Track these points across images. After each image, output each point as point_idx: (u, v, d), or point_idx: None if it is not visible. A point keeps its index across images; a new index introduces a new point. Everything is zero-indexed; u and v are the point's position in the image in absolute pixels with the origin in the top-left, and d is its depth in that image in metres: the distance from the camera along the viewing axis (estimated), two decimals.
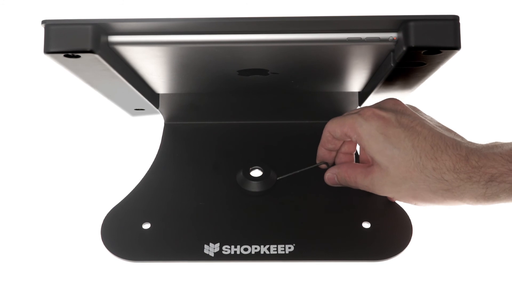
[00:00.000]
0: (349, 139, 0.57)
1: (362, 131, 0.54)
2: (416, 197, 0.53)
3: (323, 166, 0.62)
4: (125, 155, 0.69)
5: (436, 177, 0.50)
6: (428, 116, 0.56)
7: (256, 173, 0.63)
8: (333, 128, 0.58)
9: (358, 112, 0.56)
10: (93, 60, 0.48)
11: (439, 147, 0.51)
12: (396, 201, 0.60)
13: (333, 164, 0.62)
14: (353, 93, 0.65)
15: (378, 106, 0.56)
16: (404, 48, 0.47)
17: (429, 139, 0.51)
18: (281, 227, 0.58)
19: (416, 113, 0.55)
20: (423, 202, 0.53)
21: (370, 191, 0.56)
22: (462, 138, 0.53)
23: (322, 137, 0.60)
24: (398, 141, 0.52)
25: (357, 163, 0.60)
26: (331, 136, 0.59)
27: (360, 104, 0.66)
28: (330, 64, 0.56)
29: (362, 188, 0.57)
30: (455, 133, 0.54)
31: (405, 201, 0.55)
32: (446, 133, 0.53)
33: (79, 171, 0.68)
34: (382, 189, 0.55)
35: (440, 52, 0.48)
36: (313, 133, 0.66)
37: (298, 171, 0.62)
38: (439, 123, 0.55)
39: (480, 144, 0.52)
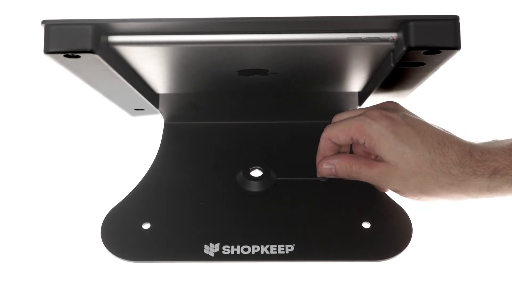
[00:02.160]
0: (352, 143, 0.57)
1: (373, 131, 0.54)
2: (423, 191, 0.53)
3: (323, 179, 0.61)
4: (125, 155, 0.69)
5: (444, 171, 0.51)
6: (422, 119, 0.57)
7: (256, 173, 0.63)
8: (335, 134, 0.57)
9: (364, 113, 0.56)
10: (93, 60, 0.48)
11: (445, 144, 0.52)
12: (396, 200, 0.60)
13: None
14: (353, 93, 0.65)
15: (380, 107, 0.57)
16: (404, 48, 0.47)
17: (435, 136, 0.53)
18: (281, 227, 0.58)
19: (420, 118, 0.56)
20: (428, 196, 0.54)
21: (375, 183, 0.56)
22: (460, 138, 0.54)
23: (320, 146, 0.59)
24: (408, 138, 0.53)
25: (358, 155, 0.59)
26: (332, 143, 0.58)
27: (360, 104, 0.66)
28: (330, 64, 0.56)
29: (364, 179, 0.56)
30: (453, 134, 0.55)
31: (410, 195, 0.55)
32: (447, 133, 0.54)
33: (79, 171, 0.68)
34: (390, 182, 0.55)
35: (440, 52, 0.48)
36: (313, 133, 0.66)
37: (299, 179, 0.61)
38: (435, 125, 0.56)
39: (481, 142, 0.53)
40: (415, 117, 0.56)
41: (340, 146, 0.59)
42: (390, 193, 0.61)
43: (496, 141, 0.53)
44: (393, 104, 0.57)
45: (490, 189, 0.51)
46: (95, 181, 0.67)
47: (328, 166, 0.58)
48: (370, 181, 0.56)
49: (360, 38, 0.48)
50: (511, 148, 0.51)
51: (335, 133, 0.57)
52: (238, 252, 0.57)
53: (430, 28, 0.47)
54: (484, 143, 0.53)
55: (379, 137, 0.54)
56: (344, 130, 0.56)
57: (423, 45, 0.47)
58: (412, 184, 0.53)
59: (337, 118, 0.60)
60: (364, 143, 0.55)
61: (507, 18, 0.74)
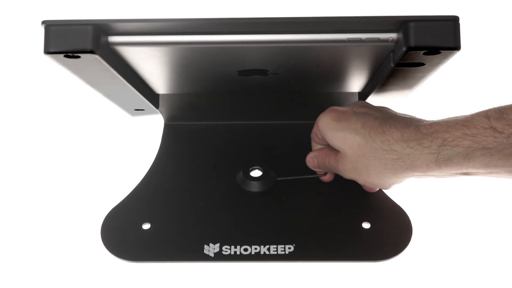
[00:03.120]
0: (321, 140, 0.59)
1: (321, 123, 0.57)
2: (370, 173, 0.53)
3: (326, 178, 0.62)
4: (125, 155, 0.69)
5: (384, 148, 0.51)
6: (398, 112, 0.56)
7: (256, 173, 0.63)
8: (311, 133, 0.61)
9: None
10: (93, 61, 0.48)
11: (388, 123, 0.52)
12: (396, 200, 0.60)
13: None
14: (353, 93, 0.65)
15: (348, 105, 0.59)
16: (404, 49, 0.47)
17: (380, 119, 0.53)
18: (281, 227, 0.58)
19: (383, 109, 0.56)
20: (378, 178, 0.54)
21: (339, 173, 0.57)
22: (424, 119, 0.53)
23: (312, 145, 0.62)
24: (349, 124, 0.54)
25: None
26: (313, 141, 0.61)
27: None
28: (330, 64, 0.56)
29: (333, 170, 0.58)
30: (409, 115, 0.54)
31: (364, 181, 0.55)
32: (398, 114, 0.54)
33: (79, 171, 0.68)
34: (344, 170, 0.56)
35: (440, 52, 0.48)
36: None
37: (298, 177, 0.62)
38: (396, 112, 0.55)
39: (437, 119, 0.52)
40: (371, 107, 0.56)
41: (325, 144, 0.60)
42: (390, 193, 0.61)
43: (451, 116, 0.50)
44: (360, 102, 0.59)
45: (438, 163, 0.49)
46: (96, 181, 0.67)
47: (313, 157, 0.61)
48: (335, 171, 0.58)
49: (360, 38, 0.48)
50: (466, 120, 0.48)
51: (312, 132, 0.61)
52: (238, 252, 0.57)
53: (430, 29, 0.47)
54: (438, 119, 0.50)
55: (324, 127, 0.56)
56: (313, 127, 0.60)
57: (423, 46, 0.47)
58: (359, 168, 0.54)
59: None
60: (322, 137, 0.58)
61: (507, 18, 0.74)
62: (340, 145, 0.55)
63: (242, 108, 0.67)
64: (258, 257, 0.57)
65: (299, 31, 0.49)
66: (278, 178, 0.62)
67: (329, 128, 0.56)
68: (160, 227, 0.59)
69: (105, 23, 0.47)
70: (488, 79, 0.73)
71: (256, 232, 0.58)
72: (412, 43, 0.47)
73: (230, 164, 0.64)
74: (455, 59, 0.49)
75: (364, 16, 0.48)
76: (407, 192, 0.61)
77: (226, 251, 0.57)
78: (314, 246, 0.57)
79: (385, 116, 0.53)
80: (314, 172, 0.62)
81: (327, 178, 0.62)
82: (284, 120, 0.67)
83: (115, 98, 0.64)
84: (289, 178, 0.62)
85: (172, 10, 0.74)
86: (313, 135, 0.60)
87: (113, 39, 0.48)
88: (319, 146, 0.61)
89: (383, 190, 0.61)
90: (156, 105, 0.65)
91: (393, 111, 0.55)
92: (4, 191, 0.66)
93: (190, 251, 0.57)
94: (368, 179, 0.55)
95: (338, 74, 0.60)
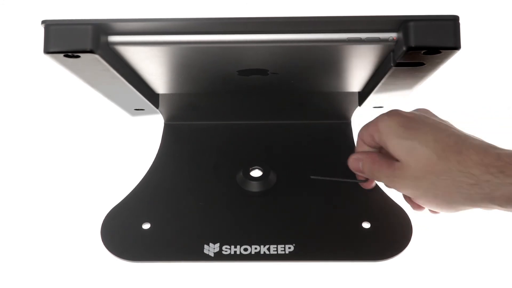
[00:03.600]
0: (375, 143, 0.54)
1: (383, 126, 0.51)
2: (437, 195, 0.48)
3: (367, 185, 0.59)
4: (125, 155, 0.69)
5: (461, 170, 0.45)
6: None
7: (256, 173, 0.63)
8: (362, 132, 0.55)
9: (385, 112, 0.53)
10: (93, 60, 0.48)
11: (464, 143, 0.47)
12: (396, 200, 0.60)
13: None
14: (353, 93, 0.65)
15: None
16: (404, 48, 0.47)
17: (453, 137, 0.48)
18: (281, 227, 0.59)
19: (449, 124, 0.52)
20: (446, 202, 0.48)
21: (391, 184, 0.52)
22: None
23: (356, 144, 0.57)
24: (419, 134, 0.49)
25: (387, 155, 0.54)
26: (362, 141, 0.56)
27: (360, 104, 0.66)
28: (330, 64, 0.56)
29: (383, 180, 0.53)
30: (481, 139, 0.49)
31: (426, 202, 0.50)
32: (472, 136, 0.49)
33: (79, 171, 0.68)
34: (404, 183, 0.50)
35: (440, 52, 0.48)
36: (313, 133, 0.66)
37: (335, 179, 0.58)
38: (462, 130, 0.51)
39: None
40: (440, 120, 0.51)
41: (375, 148, 0.55)
42: (390, 193, 0.61)
43: None
44: (424, 109, 0.54)
45: None
46: (95, 181, 0.67)
47: (357, 160, 0.55)
48: (387, 182, 0.52)
49: (360, 38, 0.48)
50: None
51: (362, 130, 0.55)
52: (238, 252, 0.57)
53: (430, 28, 0.47)
54: None
55: (388, 131, 0.51)
56: (366, 127, 0.54)
57: (423, 45, 0.47)
58: (425, 185, 0.48)
59: None
60: (379, 141, 0.52)
61: (507, 18, 0.74)
62: (404, 155, 0.49)
63: (242, 108, 0.67)
64: (258, 257, 0.57)
65: (299, 31, 0.48)
66: (312, 177, 0.59)
67: (394, 134, 0.50)
68: (160, 227, 0.59)
69: (105, 22, 0.47)
70: (488, 79, 0.73)
71: (256, 232, 0.58)
72: (412, 42, 0.47)
73: (230, 164, 0.64)
74: (455, 58, 0.49)
75: (364, 16, 0.48)
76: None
77: (226, 251, 0.57)
78: (314, 246, 0.57)
79: (459, 133, 0.48)
80: (351, 175, 0.58)
81: (368, 185, 0.58)
82: (284, 120, 0.67)
83: (115, 98, 0.64)
84: (325, 178, 0.59)
85: (172, 10, 0.74)
86: (365, 136, 0.54)
87: (113, 38, 0.48)
88: (366, 148, 0.55)
89: (382, 189, 0.61)
90: (156, 105, 0.65)
91: (458, 128, 0.51)
92: (4, 191, 0.66)
93: (190, 251, 0.57)
94: (434, 201, 0.49)
95: (338, 74, 0.60)
